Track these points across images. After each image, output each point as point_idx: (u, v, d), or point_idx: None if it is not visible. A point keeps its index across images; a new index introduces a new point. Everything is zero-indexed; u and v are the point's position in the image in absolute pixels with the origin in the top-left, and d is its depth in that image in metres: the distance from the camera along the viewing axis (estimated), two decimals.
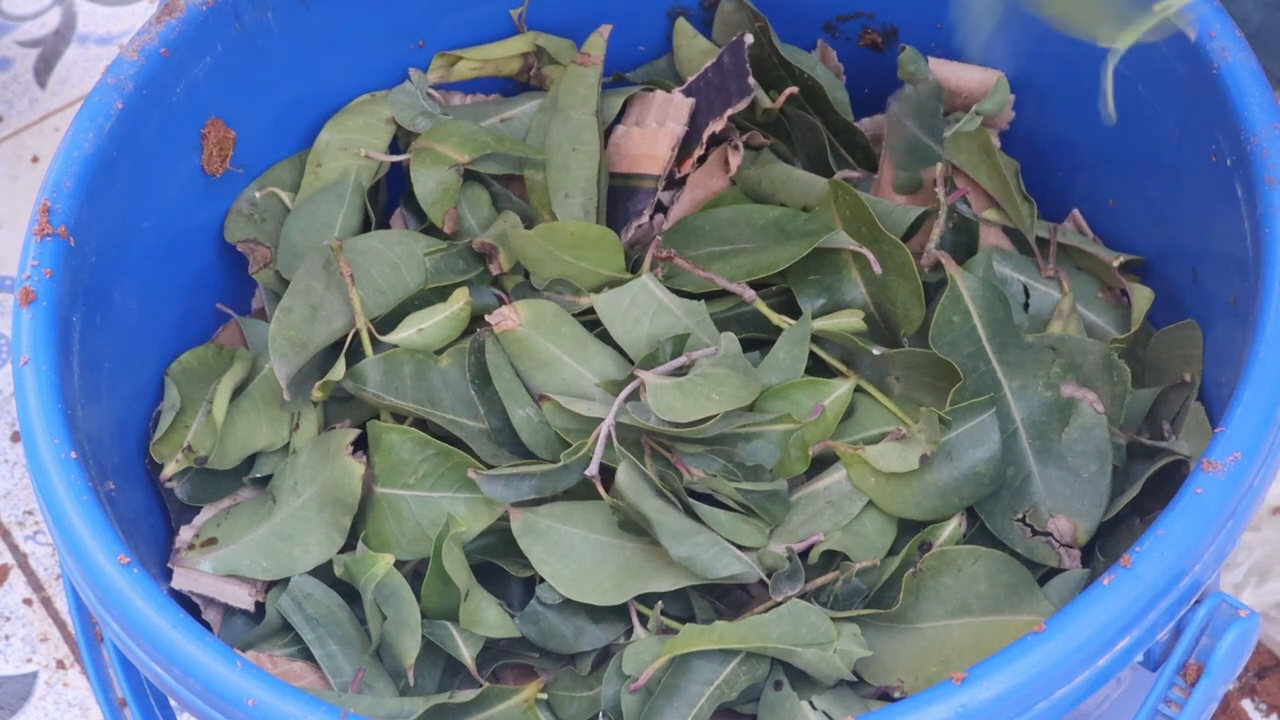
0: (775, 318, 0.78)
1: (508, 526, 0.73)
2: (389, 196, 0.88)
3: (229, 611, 0.77)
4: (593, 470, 0.72)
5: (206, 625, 0.76)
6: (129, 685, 0.75)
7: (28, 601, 1.14)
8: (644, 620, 0.73)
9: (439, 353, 0.77)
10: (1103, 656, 0.59)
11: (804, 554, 0.72)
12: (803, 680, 0.70)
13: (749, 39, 0.85)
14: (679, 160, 0.83)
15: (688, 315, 0.76)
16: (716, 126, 0.82)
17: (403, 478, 0.75)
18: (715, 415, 0.71)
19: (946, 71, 0.84)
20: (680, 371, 0.74)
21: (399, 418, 0.77)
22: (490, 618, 0.73)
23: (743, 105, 0.82)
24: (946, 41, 0.87)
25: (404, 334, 0.77)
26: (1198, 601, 0.62)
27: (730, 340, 0.75)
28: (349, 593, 0.74)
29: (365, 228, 0.84)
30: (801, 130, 0.86)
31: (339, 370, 0.76)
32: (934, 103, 0.81)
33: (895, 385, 0.77)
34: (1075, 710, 0.60)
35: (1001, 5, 0.72)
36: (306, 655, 0.74)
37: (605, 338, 0.77)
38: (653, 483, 0.71)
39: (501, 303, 0.79)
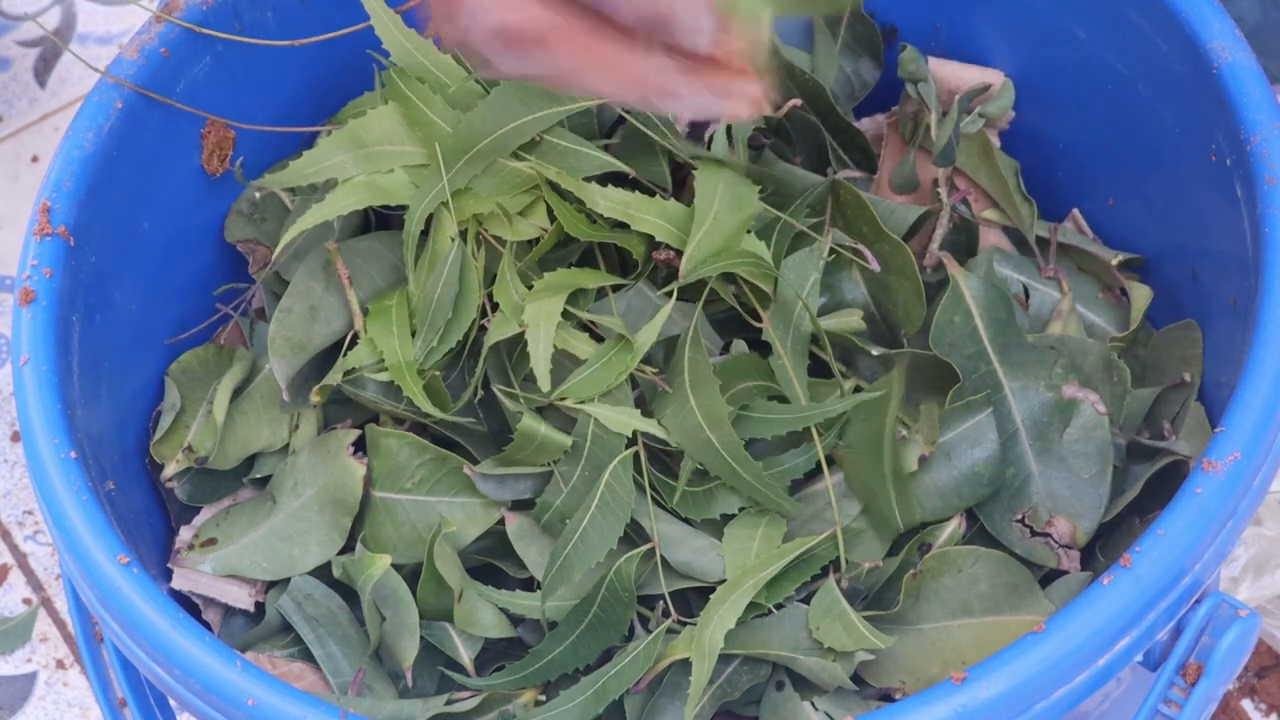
0: None
1: None
2: None
3: (229, 612, 0.77)
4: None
5: (206, 625, 0.76)
6: (129, 685, 0.75)
7: (28, 601, 1.14)
8: (644, 621, 0.73)
9: None
10: (1102, 656, 0.59)
11: None
12: (804, 681, 0.70)
13: None
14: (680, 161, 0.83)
15: (685, 318, 0.76)
16: (717, 126, 0.82)
17: (400, 482, 0.74)
18: None
19: (946, 71, 0.83)
20: None
21: (398, 420, 0.77)
22: (485, 618, 0.73)
23: None
24: (946, 41, 0.87)
25: None
26: (1197, 601, 0.62)
27: (740, 345, 0.75)
28: (349, 593, 0.75)
29: (365, 229, 0.84)
30: (802, 130, 0.86)
31: (338, 373, 0.76)
32: (969, 101, 0.81)
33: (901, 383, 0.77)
34: (1075, 710, 0.60)
35: None
36: (306, 656, 0.74)
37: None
38: (652, 488, 0.72)
39: None
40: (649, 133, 0.76)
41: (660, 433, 0.71)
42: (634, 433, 0.71)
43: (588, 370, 0.71)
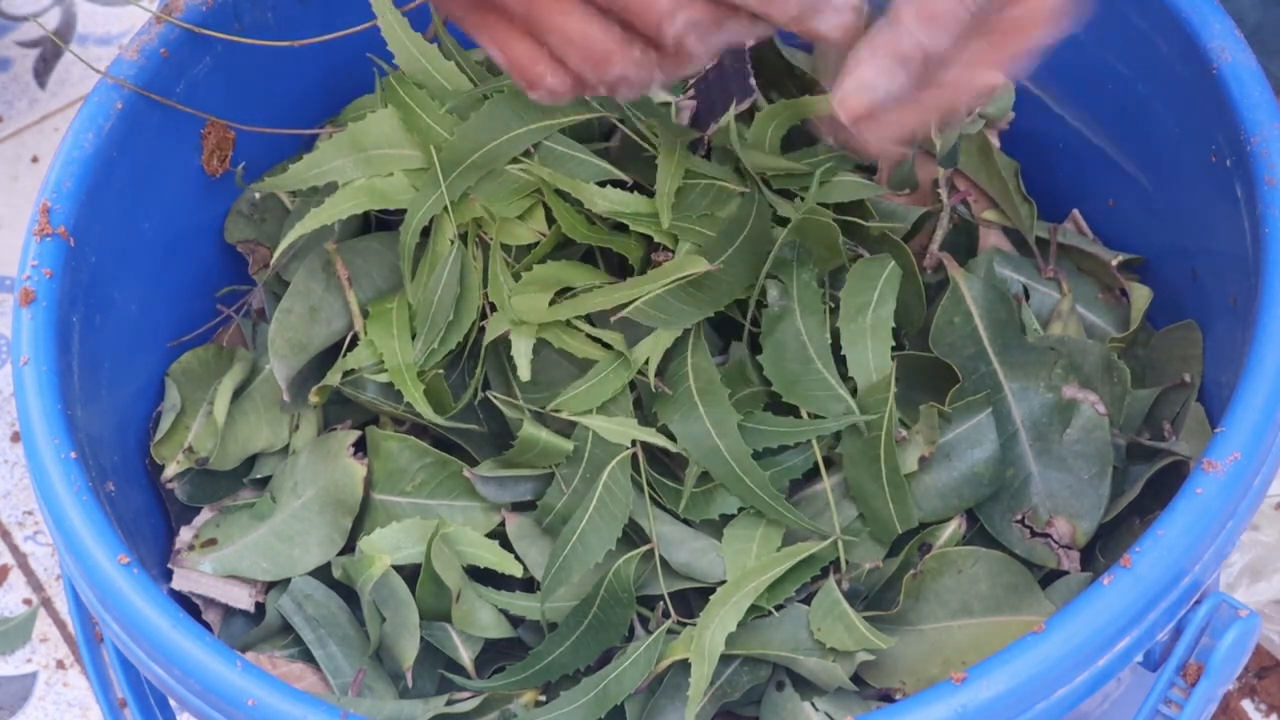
0: None
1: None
2: None
3: (229, 612, 0.77)
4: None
5: (207, 626, 0.76)
6: (129, 685, 0.75)
7: (28, 601, 1.14)
8: (644, 621, 0.73)
9: None
10: (1103, 656, 0.59)
11: None
12: (805, 681, 0.70)
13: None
14: None
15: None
16: (719, 126, 0.82)
17: (400, 485, 0.74)
18: None
19: None
20: None
21: (398, 421, 0.77)
22: (484, 618, 0.73)
23: (745, 106, 0.82)
24: None
25: None
26: (1198, 601, 0.62)
27: (739, 349, 0.75)
28: (349, 594, 0.74)
29: (366, 229, 0.84)
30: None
31: (337, 373, 0.76)
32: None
33: (894, 386, 0.76)
34: (1075, 710, 0.60)
35: None
36: (306, 656, 0.74)
37: None
38: (650, 489, 0.72)
39: None
40: (644, 145, 0.76)
41: (660, 441, 0.71)
42: None
43: (584, 385, 0.71)
